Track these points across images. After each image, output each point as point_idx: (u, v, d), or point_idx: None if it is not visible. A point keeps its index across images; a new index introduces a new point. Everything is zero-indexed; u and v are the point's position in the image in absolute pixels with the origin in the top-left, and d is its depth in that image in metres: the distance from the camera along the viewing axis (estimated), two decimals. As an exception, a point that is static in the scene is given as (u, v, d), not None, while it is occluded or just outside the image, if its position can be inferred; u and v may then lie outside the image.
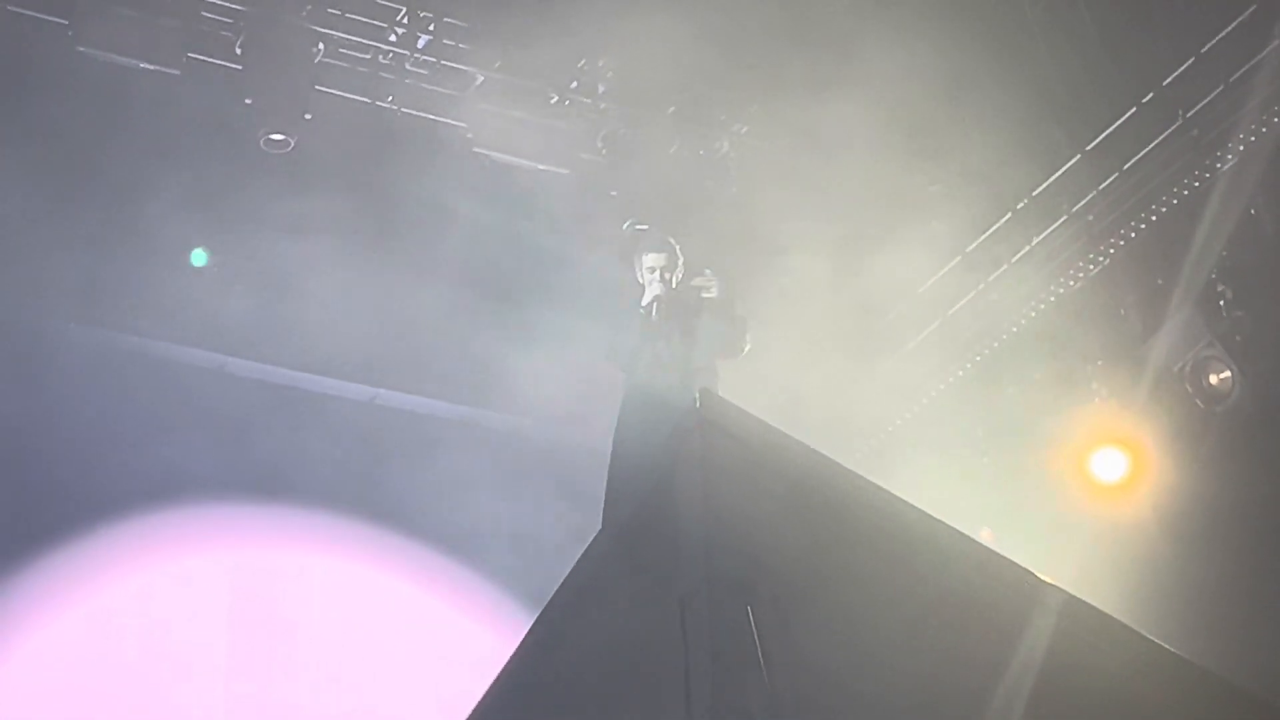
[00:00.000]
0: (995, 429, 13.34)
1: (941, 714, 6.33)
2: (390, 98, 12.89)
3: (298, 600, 13.38)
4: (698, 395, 6.82)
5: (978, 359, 13.74)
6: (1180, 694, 6.66)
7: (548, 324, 12.99)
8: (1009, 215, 13.18)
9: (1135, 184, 12.56)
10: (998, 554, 6.82)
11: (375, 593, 13.61)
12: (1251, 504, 11.68)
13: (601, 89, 13.25)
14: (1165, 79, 12.20)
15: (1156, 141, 12.33)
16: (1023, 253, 13.20)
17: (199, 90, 12.46)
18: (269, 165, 12.63)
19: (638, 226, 13.00)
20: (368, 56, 12.78)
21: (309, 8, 12.43)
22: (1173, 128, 12.24)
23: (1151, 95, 12.30)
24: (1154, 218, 12.53)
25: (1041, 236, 13.08)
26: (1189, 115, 12.16)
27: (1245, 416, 12.05)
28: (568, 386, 13.51)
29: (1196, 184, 12.21)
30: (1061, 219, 12.96)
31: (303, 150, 12.57)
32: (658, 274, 10.28)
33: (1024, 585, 6.67)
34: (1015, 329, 13.41)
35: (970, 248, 13.46)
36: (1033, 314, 13.29)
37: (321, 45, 12.56)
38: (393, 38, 12.75)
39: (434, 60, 12.87)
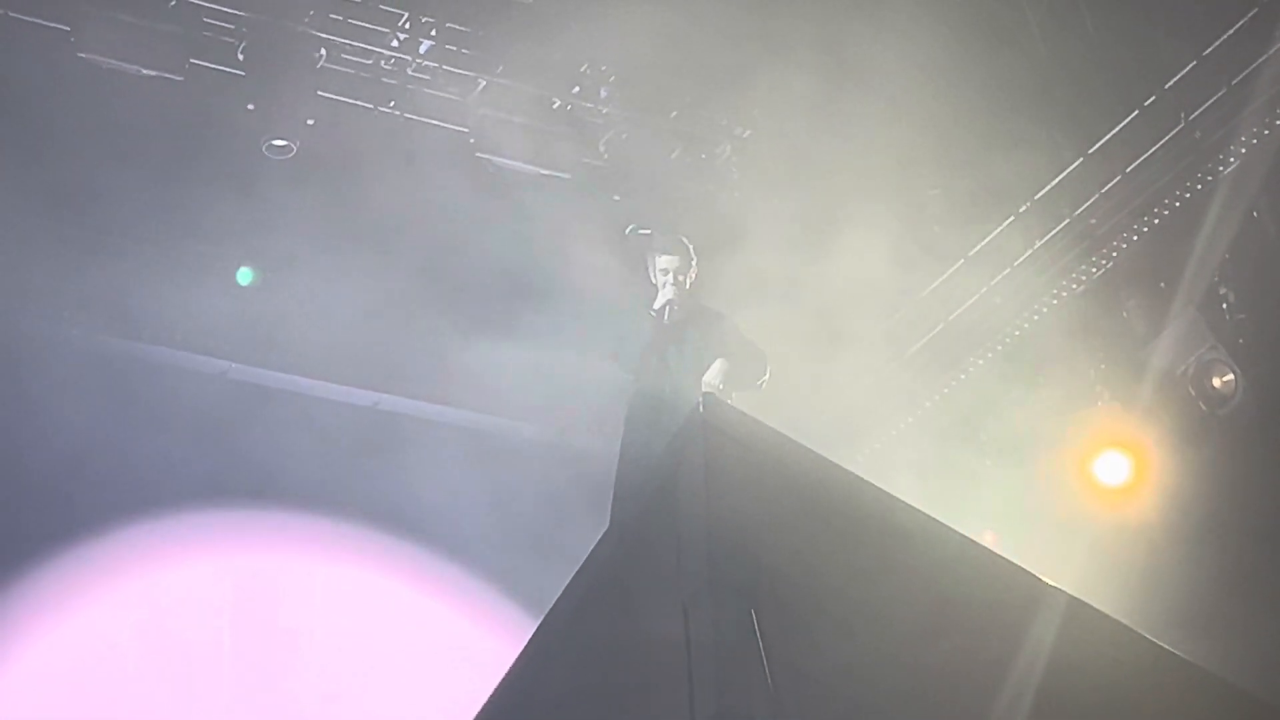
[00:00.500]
0: (998, 433, 13.32)
1: (945, 717, 6.33)
2: (392, 103, 12.90)
3: (300, 606, 13.38)
4: (701, 399, 6.81)
5: (980, 363, 13.74)
6: (1183, 696, 6.66)
7: (551, 329, 12.99)
8: (1011, 219, 13.17)
9: (1138, 187, 12.55)
10: (1001, 557, 6.82)
11: (378, 597, 13.61)
12: (1254, 506, 11.68)
13: (603, 94, 13.26)
14: (1167, 82, 12.19)
15: (1159, 144, 12.32)
16: (1025, 256, 13.19)
17: (201, 96, 12.46)
18: (271, 171, 12.64)
19: (640, 231, 12.99)
20: (370, 62, 12.79)
21: (311, 13, 12.43)
22: (1175, 130, 12.23)
23: (1154, 98, 12.29)
24: (1156, 221, 12.52)
25: (1044, 240, 13.07)
26: (1191, 118, 12.15)
27: (1248, 419, 12.05)
28: (572, 392, 13.53)
29: (1199, 187, 12.20)
30: (1064, 222, 12.95)
31: (305, 155, 12.57)
32: (670, 276, 10.20)
33: (1027, 588, 6.67)
34: (1018, 333, 13.41)
35: (972, 252, 13.45)
36: (1035, 318, 13.28)
37: (324, 51, 12.57)
38: (395, 43, 12.76)
39: (436, 65, 12.88)
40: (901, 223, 13.08)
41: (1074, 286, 13.05)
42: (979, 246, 13.41)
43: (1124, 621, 6.82)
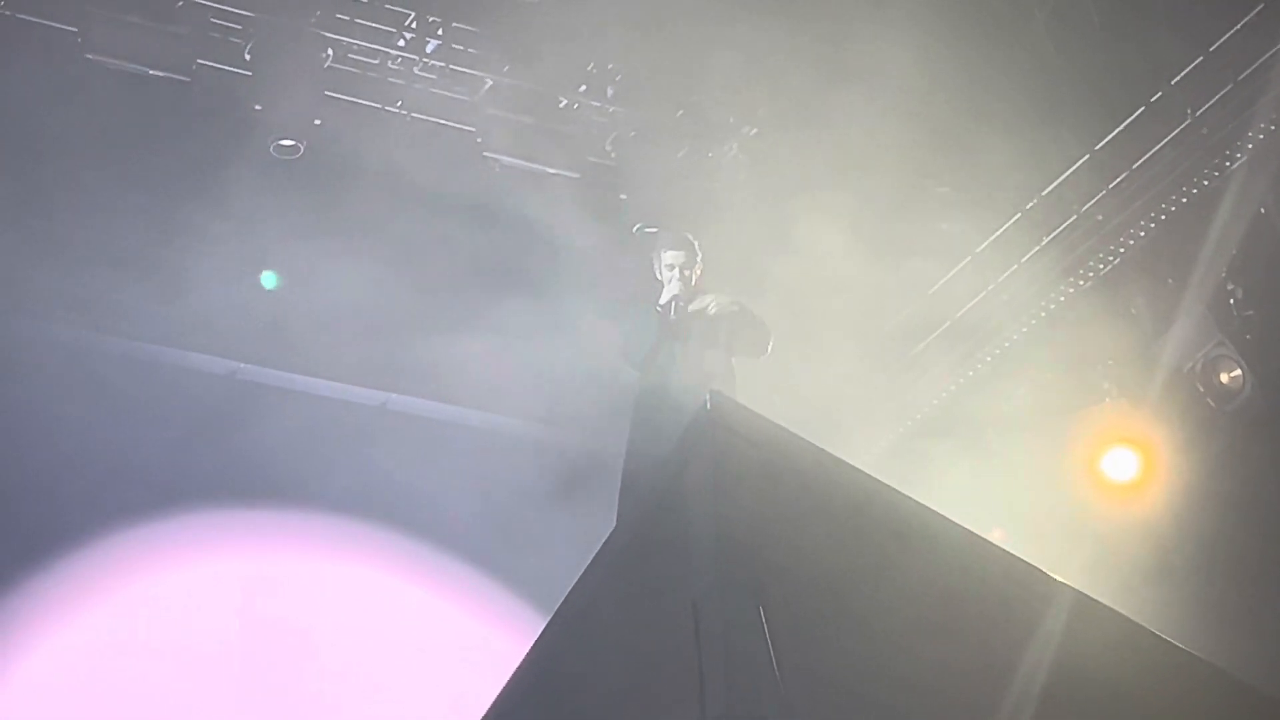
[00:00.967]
0: (1006, 429, 13.32)
1: (954, 714, 6.33)
2: (399, 102, 12.89)
3: (310, 606, 13.39)
4: (709, 396, 6.81)
5: (988, 360, 13.73)
6: (1192, 693, 6.66)
7: (560, 328, 13.00)
8: (1018, 216, 13.17)
9: (1145, 183, 12.55)
10: (1010, 554, 6.83)
11: (388, 597, 13.62)
12: (1263, 502, 11.68)
13: (610, 93, 13.25)
14: (1174, 78, 12.18)
15: (1166, 140, 12.32)
16: (1032, 253, 13.19)
17: (208, 97, 12.47)
18: (279, 170, 12.65)
19: (648, 230, 13.00)
20: (377, 61, 12.79)
21: (318, 13, 12.44)
22: (1182, 126, 12.22)
23: (1160, 94, 12.28)
24: (1164, 217, 12.51)
25: (1051, 236, 13.07)
26: (1198, 114, 12.14)
27: (1256, 415, 12.05)
28: (581, 390, 13.52)
29: (1206, 183, 12.19)
30: (1071, 219, 12.95)
31: (313, 155, 12.58)
32: (677, 271, 10.22)
33: (1036, 585, 6.67)
34: (1025, 329, 13.40)
35: (979, 248, 13.45)
36: (1043, 314, 13.28)
37: (330, 51, 12.57)
38: (401, 42, 12.76)
39: (443, 65, 12.88)
40: (908, 220, 13.08)
41: (1081, 283, 13.04)
42: (986, 243, 13.40)
43: (1132, 617, 6.83)
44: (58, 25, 12.05)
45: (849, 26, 12.06)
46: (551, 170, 13.21)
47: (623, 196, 13.48)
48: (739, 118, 13.52)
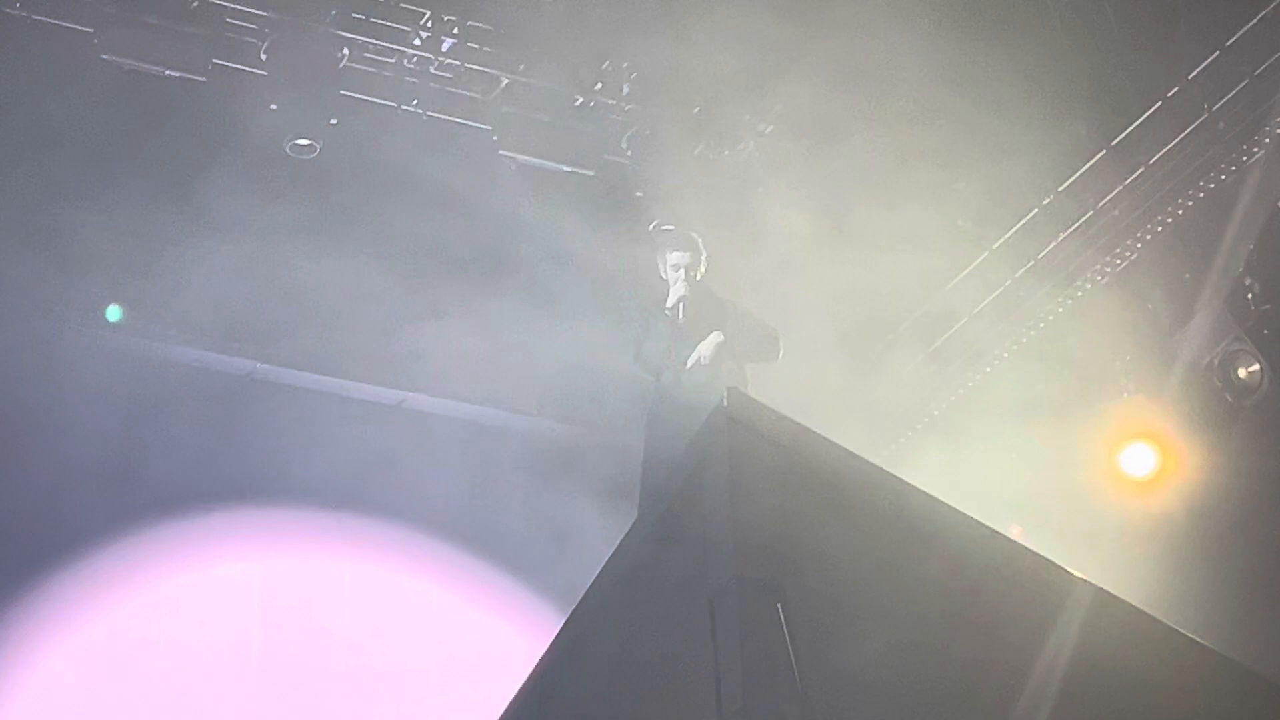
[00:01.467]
0: (1023, 425, 13.30)
1: (972, 710, 6.33)
2: (415, 101, 12.91)
3: (329, 605, 13.41)
4: (725, 394, 6.79)
5: (1005, 355, 13.72)
6: (1211, 688, 6.64)
7: (576, 326, 13.01)
8: (1035, 211, 13.15)
9: (1161, 178, 12.53)
10: (1028, 550, 6.81)
11: (406, 595, 13.64)
12: (1281, 496, 11.67)
13: (625, 90, 13.26)
14: (1190, 72, 12.16)
15: (1182, 135, 12.30)
16: (1049, 249, 13.18)
17: (224, 97, 12.49)
18: (295, 170, 12.66)
19: (663, 227, 12.99)
20: (392, 61, 12.80)
21: (333, 13, 12.46)
22: (1199, 121, 12.21)
23: (1177, 89, 12.26)
24: (1180, 212, 12.50)
25: (1068, 232, 13.06)
26: (1215, 109, 12.12)
27: (1274, 409, 12.02)
28: (596, 387, 13.52)
29: (1223, 178, 12.18)
30: (1087, 214, 12.94)
31: (328, 155, 12.60)
32: (682, 271, 10.19)
33: (1054, 581, 6.66)
34: (1042, 324, 13.39)
35: (996, 244, 13.44)
36: (1060, 310, 13.27)
37: (346, 50, 12.59)
38: (417, 41, 12.78)
39: (458, 64, 12.89)
40: (925, 216, 13.06)
41: (1099, 278, 13.03)
42: (1003, 239, 13.39)
43: (1150, 612, 6.81)
44: (74, 26, 12.08)
45: (865, 24, 12.05)
46: (567, 168, 13.21)
47: (639, 194, 13.48)
48: (755, 115, 13.51)
